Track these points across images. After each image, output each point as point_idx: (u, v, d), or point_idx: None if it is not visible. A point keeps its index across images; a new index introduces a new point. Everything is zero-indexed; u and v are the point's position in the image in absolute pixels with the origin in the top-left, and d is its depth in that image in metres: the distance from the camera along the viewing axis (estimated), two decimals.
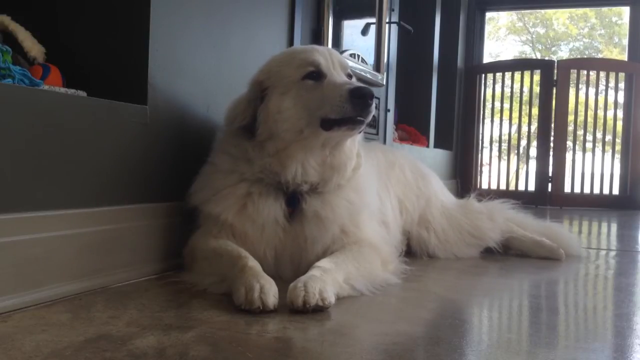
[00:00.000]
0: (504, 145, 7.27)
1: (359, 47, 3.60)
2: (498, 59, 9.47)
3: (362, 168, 1.87)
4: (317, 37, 2.96)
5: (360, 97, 1.61)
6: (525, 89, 6.10)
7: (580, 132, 6.09)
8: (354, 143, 1.83)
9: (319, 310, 1.41)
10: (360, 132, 1.74)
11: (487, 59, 6.79)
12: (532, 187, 5.88)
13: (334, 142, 1.74)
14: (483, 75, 6.25)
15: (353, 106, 1.61)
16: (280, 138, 1.70)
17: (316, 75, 1.71)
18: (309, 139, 1.70)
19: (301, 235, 1.73)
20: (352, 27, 3.57)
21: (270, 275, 1.53)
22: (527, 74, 6.14)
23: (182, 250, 1.81)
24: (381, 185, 2.25)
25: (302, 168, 1.72)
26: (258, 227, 1.71)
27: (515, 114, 6.10)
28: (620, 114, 5.91)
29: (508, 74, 6.11)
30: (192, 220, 1.82)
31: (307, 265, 1.62)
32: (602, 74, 6.44)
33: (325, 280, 1.49)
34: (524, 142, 6.10)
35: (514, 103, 6.10)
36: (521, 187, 6.22)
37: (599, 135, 5.85)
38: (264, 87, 1.74)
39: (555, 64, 5.88)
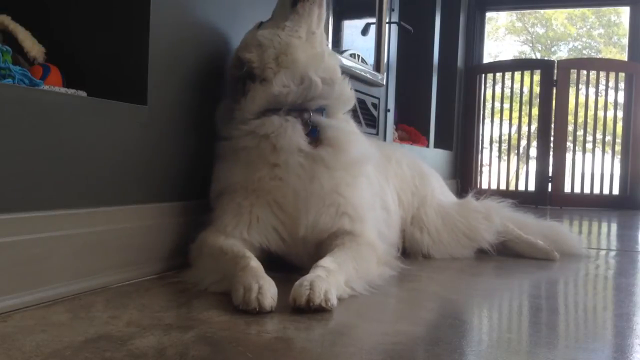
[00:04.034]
0: (504, 146, 7.27)
1: (359, 47, 3.60)
2: (497, 59, 9.47)
3: (353, 96, 1.99)
4: None
5: None
6: (525, 89, 6.10)
7: (580, 133, 6.09)
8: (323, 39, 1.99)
9: (320, 311, 1.41)
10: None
11: (486, 59, 6.78)
12: (532, 187, 5.88)
13: (314, 24, 1.92)
14: (483, 75, 6.25)
15: None
16: (274, 48, 1.85)
17: (265, 21, 1.98)
18: (294, 27, 1.88)
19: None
20: (352, 27, 3.57)
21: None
22: (527, 74, 6.14)
23: (189, 245, 1.80)
24: (380, 176, 2.26)
25: (305, 55, 1.86)
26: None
27: (515, 114, 6.10)
28: (620, 114, 5.91)
29: (508, 74, 6.11)
30: (205, 215, 1.84)
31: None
32: (602, 74, 6.44)
33: (330, 282, 1.49)
34: (524, 142, 6.10)
35: (514, 103, 6.10)
36: (521, 187, 6.21)
37: (599, 135, 5.85)
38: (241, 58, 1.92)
39: (555, 64, 5.88)
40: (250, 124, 1.81)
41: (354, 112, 2.09)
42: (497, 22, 11.48)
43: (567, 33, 11.95)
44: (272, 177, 1.78)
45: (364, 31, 3.73)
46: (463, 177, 6.17)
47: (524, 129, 6.05)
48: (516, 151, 6.28)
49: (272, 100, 1.81)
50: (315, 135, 1.83)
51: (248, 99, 1.83)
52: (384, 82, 3.91)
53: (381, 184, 2.23)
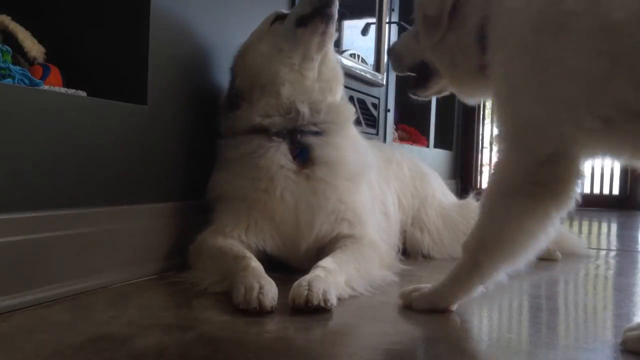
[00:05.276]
0: None
1: (359, 47, 3.60)
2: None
3: (351, 115, 1.97)
4: None
5: None
6: None
7: None
8: (332, 59, 1.98)
9: (319, 311, 1.41)
10: (329, 26, 1.86)
11: None
12: None
13: (313, 51, 1.86)
14: None
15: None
16: (263, 74, 1.82)
17: (282, 16, 1.91)
18: (289, 53, 1.84)
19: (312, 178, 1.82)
20: (352, 27, 3.57)
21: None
22: None
23: (189, 245, 1.80)
24: (381, 179, 2.26)
25: (292, 87, 1.82)
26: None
27: None
28: None
29: None
30: (205, 216, 1.84)
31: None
32: None
33: (329, 281, 1.49)
34: None
35: None
36: None
37: None
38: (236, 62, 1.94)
39: None
40: (237, 139, 1.84)
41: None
42: None
43: None
44: (254, 188, 1.78)
45: (364, 31, 3.73)
46: (463, 177, 6.17)
47: None
48: None
49: (257, 124, 1.82)
50: (305, 156, 1.82)
51: (238, 115, 1.85)
52: (384, 82, 3.91)
53: (382, 187, 2.23)
